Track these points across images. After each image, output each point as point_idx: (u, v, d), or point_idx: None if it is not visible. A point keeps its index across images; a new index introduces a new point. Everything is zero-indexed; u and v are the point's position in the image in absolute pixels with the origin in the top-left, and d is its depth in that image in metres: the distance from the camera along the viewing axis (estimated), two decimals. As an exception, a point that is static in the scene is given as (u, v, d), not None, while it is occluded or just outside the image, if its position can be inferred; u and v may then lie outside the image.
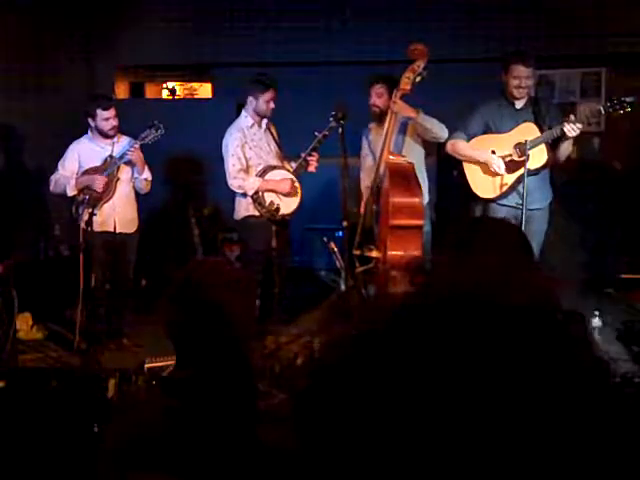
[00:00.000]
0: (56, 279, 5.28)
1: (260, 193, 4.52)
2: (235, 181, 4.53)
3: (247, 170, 4.57)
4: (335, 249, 4.23)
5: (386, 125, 4.42)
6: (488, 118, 4.39)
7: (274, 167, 4.61)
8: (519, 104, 4.36)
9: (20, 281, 4.29)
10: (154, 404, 1.51)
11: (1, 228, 5.37)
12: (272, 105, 4.59)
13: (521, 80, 4.25)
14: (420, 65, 4.28)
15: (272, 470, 1.44)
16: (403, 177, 4.29)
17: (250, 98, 4.60)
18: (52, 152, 5.21)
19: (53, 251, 5.96)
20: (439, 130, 4.43)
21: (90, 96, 5.20)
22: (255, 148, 4.60)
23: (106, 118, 4.55)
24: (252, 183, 4.52)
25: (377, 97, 4.61)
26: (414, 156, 4.55)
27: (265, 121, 4.71)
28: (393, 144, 4.50)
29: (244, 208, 4.62)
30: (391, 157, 4.38)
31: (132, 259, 4.78)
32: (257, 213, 4.56)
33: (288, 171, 4.65)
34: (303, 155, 4.64)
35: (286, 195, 4.57)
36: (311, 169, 4.66)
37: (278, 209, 4.47)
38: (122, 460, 1.44)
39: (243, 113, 4.67)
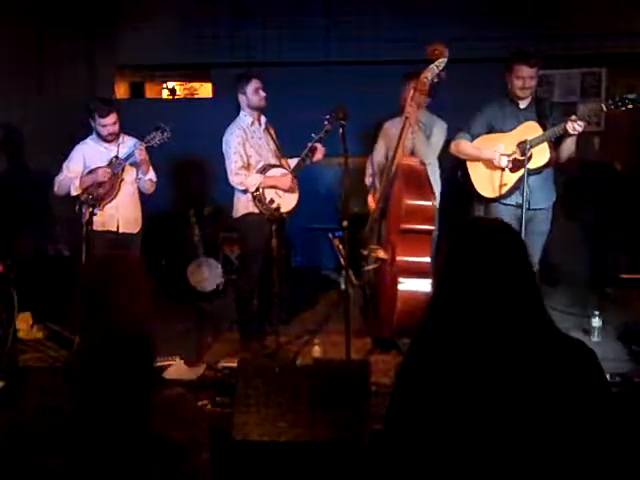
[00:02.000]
0: (56, 279, 5.28)
1: (261, 190, 4.54)
2: (237, 177, 4.55)
3: (247, 168, 4.59)
4: (340, 246, 4.21)
5: (401, 127, 4.39)
6: (491, 118, 4.39)
7: (273, 165, 4.64)
8: (523, 104, 4.35)
9: (20, 281, 4.29)
10: (52, 390, 1.56)
11: (1, 228, 5.37)
12: (262, 94, 4.60)
13: (525, 80, 4.24)
14: (439, 66, 4.20)
15: (159, 458, 1.49)
16: (416, 180, 4.24)
17: (240, 97, 4.63)
18: (53, 152, 5.20)
19: (54, 251, 5.96)
20: (424, 155, 4.44)
21: (92, 98, 5.19)
22: (255, 146, 4.63)
23: (103, 125, 4.54)
24: (254, 179, 4.54)
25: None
26: (429, 158, 4.53)
27: (264, 120, 4.72)
28: (412, 145, 4.47)
29: (243, 206, 4.63)
30: (405, 159, 4.35)
31: (137, 255, 4.76)
32: (256, 211, 4.57)
33: (286, 170, 4.67)
34: (301, 156, 4.65)
35: (286, 191, 4.59)
36: (318, 156, 4.65)
37: (278, 208, 4.47)
38: (16, 443, 1.51)
39: (242, 112, 4.68)
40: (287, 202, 4.61)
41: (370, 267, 4.47)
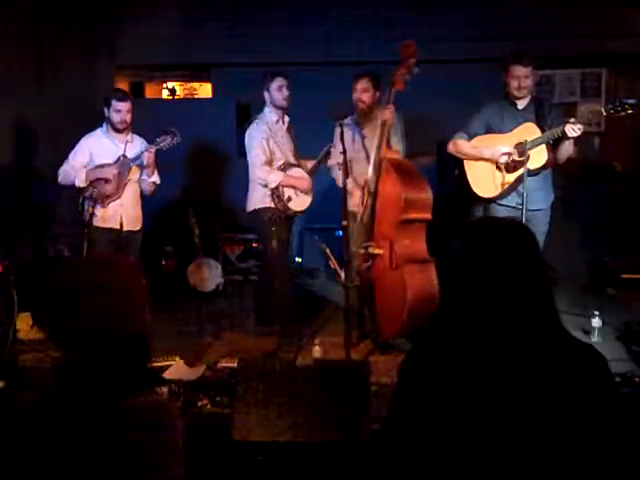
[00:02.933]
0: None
1: (280, 188, 4.63)
2: (260, 172, 4.64)
3: (269, 164, 4.68)
4: (327, 250, 4.22)
5: (378, 132, 4.40)
6: (489, 118, 4.41)
7: (292, 165, 4.75)
8: (521, 104, 4.36)
9: (20, 281, 4.29)
10: (40, 387, 1.56)
11: (1, 228, 5.37)
12: (285, 92, 4.68)
13: (520, 80, 4.26)
14: (413, 62, 4.30)
15: (122, 464, 1.45)
16: (408, 172, 4.33)
17: (265, 94, 4.73)
18: (53, 152, 5.20)
19: (54, 251, 5.96)
20: (401, 152, 4.56)
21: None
22: (278, 143, 4.74)
23: (118, 110, 4.60)
24: (276, 176, 4.64)
25: (363, 92, 4.64)
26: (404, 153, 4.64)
27: (287, 119, 4.82)
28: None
29: (259, 200, 4.71)
30: (388, 153, 4.41)
31: (137, 253, 4.78)
32: (272, 205, 4.65)
33: (304, 170, 4.80)
34: (317, 159, 4.80)
35: (303, 192, 4.72)
36: (333, 161, 4.75)
37: (285, 210, 4.61)
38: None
39: (266, 109, 4.78)
40: (302, 202, 4.75)
41: (365, 265, 4.47)
